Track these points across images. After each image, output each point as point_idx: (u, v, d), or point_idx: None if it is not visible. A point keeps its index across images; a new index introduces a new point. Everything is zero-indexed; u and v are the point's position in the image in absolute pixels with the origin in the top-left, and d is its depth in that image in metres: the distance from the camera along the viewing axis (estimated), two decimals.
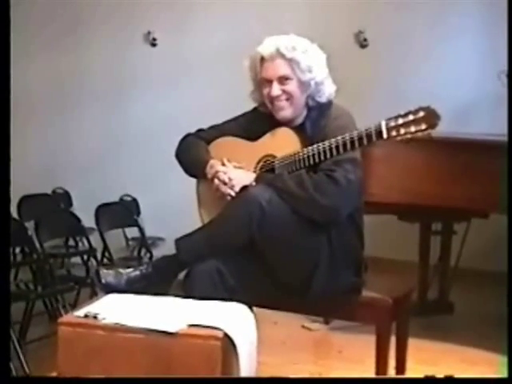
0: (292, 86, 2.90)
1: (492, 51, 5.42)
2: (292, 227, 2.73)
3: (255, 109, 3.12)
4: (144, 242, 5.55)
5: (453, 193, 3.95)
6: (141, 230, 5.45)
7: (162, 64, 6.54)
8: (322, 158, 2.76)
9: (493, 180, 3.76)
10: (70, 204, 6.43)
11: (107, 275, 2.73)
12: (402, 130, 2.62)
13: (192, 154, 3.09)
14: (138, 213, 6.22)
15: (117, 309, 2.44)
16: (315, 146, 2.77)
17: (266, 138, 3.00)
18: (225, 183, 2.89)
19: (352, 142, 2.70)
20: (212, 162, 3.00)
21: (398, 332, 3.19)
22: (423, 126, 2.60)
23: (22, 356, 3.65)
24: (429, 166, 4.05)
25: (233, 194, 2.85)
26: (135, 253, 5.90)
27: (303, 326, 4.52)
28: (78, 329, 2.34)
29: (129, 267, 2.78)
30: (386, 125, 2.63)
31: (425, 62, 5.80)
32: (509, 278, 3.34)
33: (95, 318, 2.35)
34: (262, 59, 2.92)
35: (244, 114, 3.15)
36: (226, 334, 2.27)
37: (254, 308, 2.70)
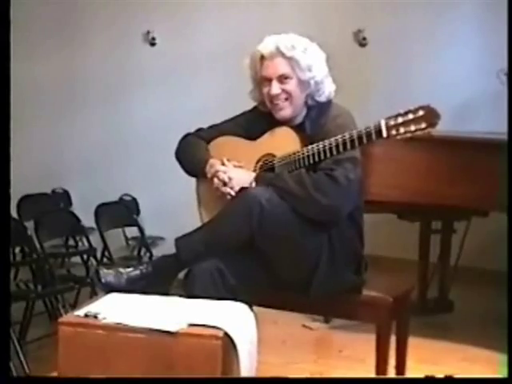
0: (291, 85, 2.89)
1: (491, 49, 5.42)
2: (292, 226, 2.73)
3: (255, 108, 3.12)
4: (144, 242, 5.56)
5: (452, 191, 3.95)
6: (140, 230, 5.46)
7: (162, 63, 6.54)
8: (322, 157, 2.75)
9: (492, 178, 3.76)
10: (70, 203, 6.44)
11: (107, 275, 2.73)
12: (402, 129, 2.62)
13: (192, 154, 3.09)
14: (138, 212, 6.23)
15: (117, 308, 2.44)
16: (315, 145, 2.77)
17: (266, 137, 3.00)
18: (224, 183, 2.88)
19: (352, 141, 2.70)
20: (212, 161, 2.99)
21: (398, 331, 3.18)
22: (423, 125, 2.60)
23: (22, 356, 3.64)
24: (428, 164, 4.04)
25: (233, 193, 2.85)
26: (135, 252, 5.90)
27: (303, 325, 4.52)
28: (78, 328, 2.34)
29: (129, 267, 2.78)
30: (386, 124, 2.63)
31: (424, 61, 5.79)
32: (509, 276, 3.34)
33: (95, 317, 2.35)
34: (262, 58, 2.92)
35: (243, 114, 3.15)
36: (226, 334, 2.27)
37: (255, 307, 2.70)
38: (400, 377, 3.19)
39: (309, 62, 2.88)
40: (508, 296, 3.26)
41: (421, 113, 2.60)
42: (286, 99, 2.91)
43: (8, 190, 2.75)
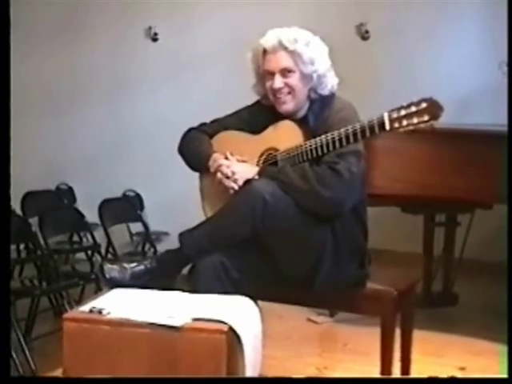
0: (294, 79, 2.89)
1: (492, 41, 5.40)
2: (295, 220, 2.73)
3: (257, 102, 3.11)
4: (148, 237, 5.56)
5: (456, 184, 3.94)
6: (145, 225, 5.46)
7: (164, 59, 6.54)
8: (325, 150, 2.75)
9: (495, 170, 3.76)
10: (74, 200, 6.45)
11: (112, 270, 2.74)
12: (405, 122, 2.61)
13: (195, 148, 3.09)
14: (142, 208, 6.24)
15: (122, 303, 2.44)
16: (318, 138, 2.77)
17: (269, 131, 3.00)
18: (228, 177, 2.88)
19: (355, 135, 2.69)
20: (215, 155, 2.99)
21: (403, 324, 3.18)
22: (426, 118, 2.59)
23: (27, 352, 3.65)
24: (432, 157, 4.04)
25: (236, 187, 2.85)
26: (139, 248, 5.90)
27: (308, 319, 4.52)
28: (83, 324, 2.35)
29: (133, 262, 2.78)
30: (389, 116, 2.63)
31: (426, 54, 5.79)
32: (509, 268, 3.34)
33: (100, 313, 2.35)
34: (265, 51, 2.92)
35: (246, 108, 3.15)
36: (230, 328, 2.27)
37: (259, 301, 2.70)
38: (403, 377, 3.19)
39: (311, 56, 2.88)
40: (508, 295, 3.25)
41: (423, 105, 2.59)
42: (289, 93, 2.91)
43: (8, 186, 2.74)
